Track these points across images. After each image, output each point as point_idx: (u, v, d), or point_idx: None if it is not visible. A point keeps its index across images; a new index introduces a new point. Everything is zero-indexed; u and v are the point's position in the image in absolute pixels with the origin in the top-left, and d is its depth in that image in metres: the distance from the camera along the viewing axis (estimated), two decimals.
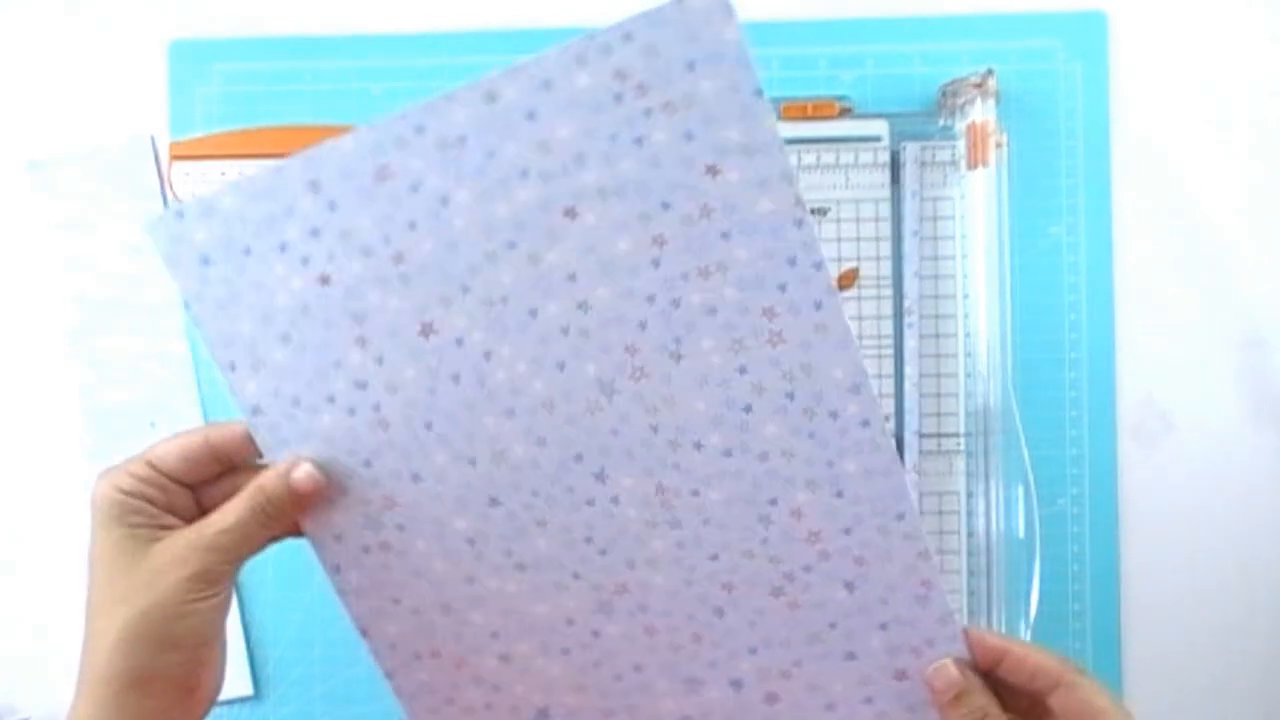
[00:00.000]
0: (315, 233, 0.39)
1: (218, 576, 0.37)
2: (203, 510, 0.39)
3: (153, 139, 0.57)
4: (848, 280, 0.48)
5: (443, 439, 0.41)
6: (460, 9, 0.57)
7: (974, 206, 0.53)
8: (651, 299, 0.40)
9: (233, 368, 0.40)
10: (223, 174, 0.55)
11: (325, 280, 0.40)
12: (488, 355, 0.40)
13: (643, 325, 0.40)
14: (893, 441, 0.41)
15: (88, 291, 0.57)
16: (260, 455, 0.40)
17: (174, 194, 0.56)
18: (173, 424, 0.56)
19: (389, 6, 0.57)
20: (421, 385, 0.40)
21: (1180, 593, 0.55)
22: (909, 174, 0.54)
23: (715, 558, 0.42)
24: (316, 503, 0.40)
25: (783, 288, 0.39)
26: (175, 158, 0.56)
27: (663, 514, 0.42)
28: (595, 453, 0.41)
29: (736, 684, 0.43)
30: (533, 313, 0.40)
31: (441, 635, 0.43)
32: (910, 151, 0.54)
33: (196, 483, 0.39)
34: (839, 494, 0.41)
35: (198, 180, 0.55)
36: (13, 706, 0.57)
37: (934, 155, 0.55)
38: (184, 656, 0.37)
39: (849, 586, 0.42)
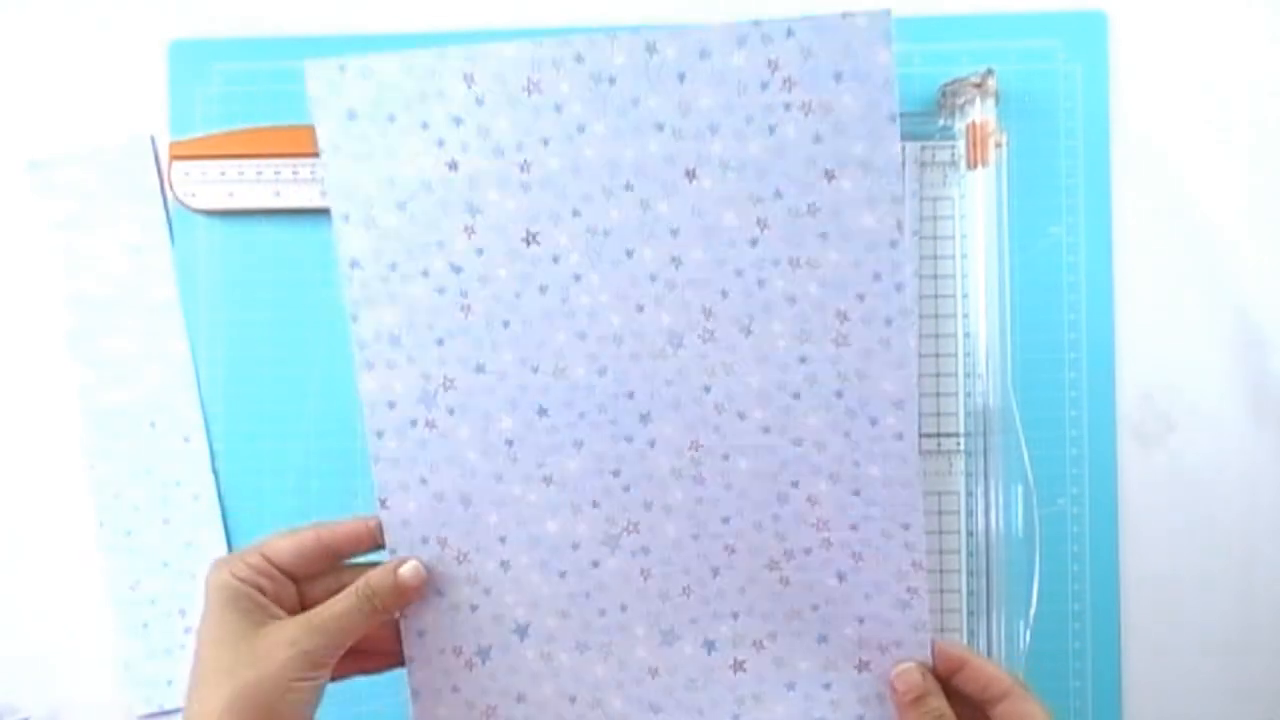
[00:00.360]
0: (457, 121, 0.43)
1: (322, 660, 0.40)
2: (303, 604, 0.42)
3: (153, 139, 0.57)
4: None
5: (515, 340, 0.44)
6: (460, 9, 0.57)
7: (974, 206, 0.53)
8: (740, 273, 0.43)
9: (346, 219, 0.43)
10: (222, 174, 0.55)
11: (453, 166, 0.43)
12: (577, 278, 0.43)
13: (725, 294, 0.43)
14: (918, 458, 0.44)
15: (88, 291, 0.57)
16: (371, 550, 0.44)
17: (174, 194, 0.56)
18: (173, 424, 0.56)
19: (389, 6, 0.57)
20: (510, 286, 0.44)
21: (1180, 593, 0.55)
22: (909, 174, 0.54)
23: (726, 520, 0.45)
24: (417, 597, 0.43)
25: (861, 297, 0.43)
26: (175, 158, 0.56)
27: (691, 468, 0.45)
28: (647, 395, 0.44)
29: (710, 645, 0.46)
30: (629, 253, 0.43)
31: (454, 525, 0.45)
32: (910, 151, 0.54)
33: (303, 577, 0.42)
34: (856, 492, 0.44)
35: (198, 180, 0.55)
36: (13, 706, 0.57)
37: (934, 155, 0.55)
38: None
39: (840, 576, 0.45)
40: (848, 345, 0.43)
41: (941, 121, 0.55)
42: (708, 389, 0.44)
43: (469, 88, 0.42)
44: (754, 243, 0.43)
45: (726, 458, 0.44)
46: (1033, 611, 0.52)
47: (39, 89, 0.57)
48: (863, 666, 0.45)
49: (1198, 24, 0.56)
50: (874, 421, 0.43)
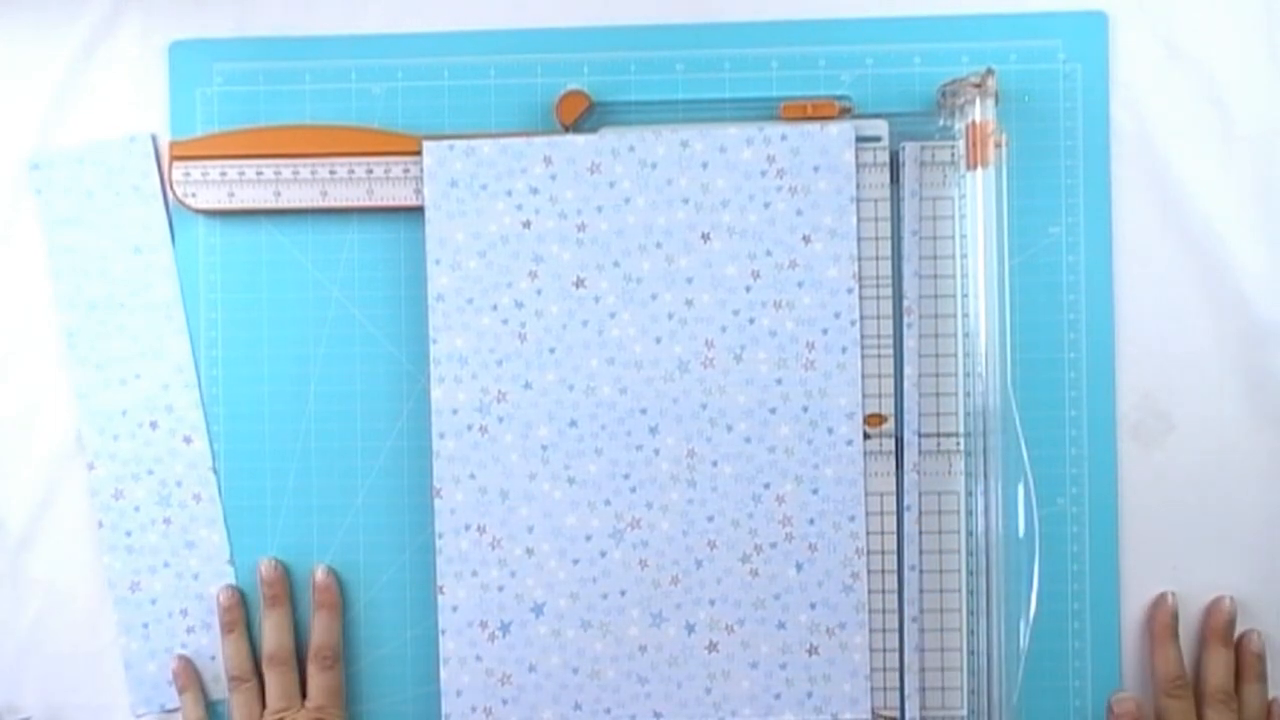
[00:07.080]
0: (534, 191, 0.54)
1: None
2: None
3: (153, 139, 0.57)
4: (874, 422, 0.54)
5: (558, 363, 0.54)
6: (460, 9, 0.57)
7: (973, 206, 0.53)
8: (736, 312, 0.54)
9: (437, 262, 0.54)
10: (223, 174, 0.55)
11: (526, 225, 0.54)
12: (612, 315, 0.54)
13: (724, 329, 0.54)
14: (863, 459, 0.53)
15: (88, 291, 0.57)
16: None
17: (174, 194, 0.56)
18: (173, 424, 0.56)
19: (389, 6, 0.57)
20: (559, 319, 0.54)
21: (1180, 593, 0.55)
22: (909, 174, 0.54)
23: (711, 519, 0.54)
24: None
25: (825, 331, 0.53)
26: (175, 158, 0.56)
27: (686, 473, 0.54)
28: (657, 412, 0.54)
29: (690, 628, 0.54)
30: (654, 296, 0.54)
31: (491, 514, 0.54)
32: (910, 151, 0.54)
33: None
34: (815, 491, 0.53)
35: (198, 180, 0.55)
36: (13, 706, 0.57)
37: (934, 155, 0.55)
38: None
39: (799, 567, 0.53)
40: (814, 369, 0.53)
41: (941, 121, 0.55)
42: (704, 406, 0.53)
43: (547, 166, 0.53)
44: (748, 289, 0.53)
45: (715, 464, 0.53)
46: (1032, 611, 0.52)
47: (39, 89, 0.57)
48: (812, 650, 0.53)
49: (1197, 24, 0.56)
50: (831, 431, 0.53)
